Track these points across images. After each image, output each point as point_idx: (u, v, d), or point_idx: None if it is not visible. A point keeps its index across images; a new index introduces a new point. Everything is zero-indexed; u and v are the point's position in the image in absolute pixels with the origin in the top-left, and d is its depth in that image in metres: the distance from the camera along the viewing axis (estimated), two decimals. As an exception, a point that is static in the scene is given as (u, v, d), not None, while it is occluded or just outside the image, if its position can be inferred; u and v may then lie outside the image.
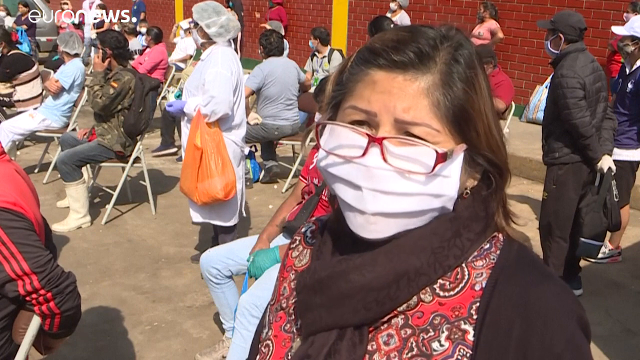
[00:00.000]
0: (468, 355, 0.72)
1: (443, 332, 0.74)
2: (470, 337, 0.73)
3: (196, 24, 3.82)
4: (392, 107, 0.72)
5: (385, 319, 0.76)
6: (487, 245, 0.79)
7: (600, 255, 4.29)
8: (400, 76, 0.72)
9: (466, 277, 0.76)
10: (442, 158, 0.71)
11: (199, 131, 3.68)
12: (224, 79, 3.70)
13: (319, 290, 0.77)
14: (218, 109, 3.68)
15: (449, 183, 0.74)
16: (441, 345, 0.73)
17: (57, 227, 4.77)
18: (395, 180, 0.71)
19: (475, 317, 0.74)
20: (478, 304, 0.74)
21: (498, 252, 0.78)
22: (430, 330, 0.75)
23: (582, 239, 3.63)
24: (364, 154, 0.72)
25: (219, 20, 3.79)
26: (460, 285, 0.76)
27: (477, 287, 0.75)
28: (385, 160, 0.71)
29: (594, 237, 3.63)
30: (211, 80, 3.67)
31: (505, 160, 0.79)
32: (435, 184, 0.73)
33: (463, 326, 0.74)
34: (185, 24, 9.74)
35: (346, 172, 0.73)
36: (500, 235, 0.81)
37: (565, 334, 0.72)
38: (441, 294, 0.76)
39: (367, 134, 0.72)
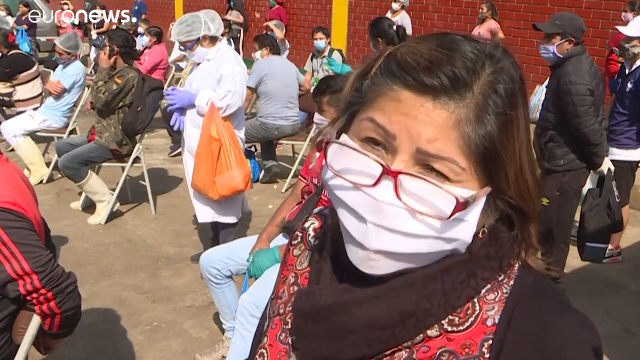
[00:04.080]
0: None
1: None
2: None
3: (196, 40, 3.79)
4: (415, 134, 0.63)
5: (388, 352, 0.71)
6: (501, 277, 0.72)
7: (600, 255, 4.29)
8: (430, 102, 0.63)
9: (477, 310, 0.70)
10: (461, 206, 0.63)
11: (214, 123, 3.72)
12: (239, 74, 3.81)
13: (318, 319, 0.71)
14: (234, 103, 3.77)
15: (465, 228, 0.66)
16: None
17: (92, 221, 4.94)
18: (405, 220, 0.64)
19: (487, 355, 0.67)
20: (490, 342, 0.68)
21: (512, 282, 0.71)
22: None
23: (588, 244, 3.61)
24: (374, 184, 0.64)
25: (205, 18, 3.83)
26: (470, 320, 0.69)
27: (489, 322, 0.69)
28: (398, 196, 0.63)
29: (599, 239, 3.61)
30: (228, 74, 3.76)
31: (534, 208, 0.71)
32: (449, 229, 0.65)
33: None
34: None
35: (352, 199, 0.66)
36: (516, 265, 0.73)
37: None
38: (449, 329, 0.69)
39: (381, 164, 0.64)
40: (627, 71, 4.15)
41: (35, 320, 1.87)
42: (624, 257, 4.51)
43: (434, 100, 0.64)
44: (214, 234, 4.24)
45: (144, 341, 3.33)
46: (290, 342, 0.80)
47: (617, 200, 3.62)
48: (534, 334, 0.67)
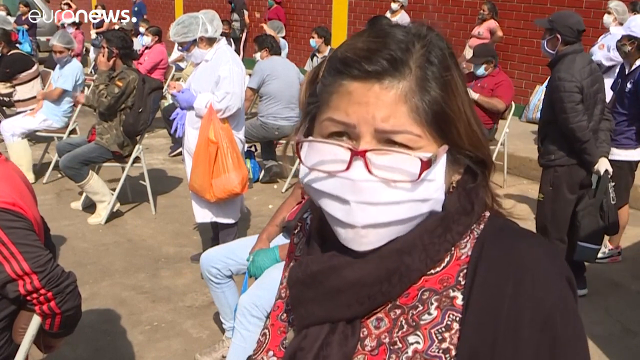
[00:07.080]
0: (457, 319, 0.73)
1: (432, 303, 0.75)
2: (459, 301, 0.74)
3: (194, 42, 3.80)
4: (370, 117, 0.71)
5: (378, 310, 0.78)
6: (473, 226, 0.80)
7: (600, 255, 4.28)
8: (376, 85, 0.71)
9: (453, 254, 0.78)
10: (426, 165, 0.71)
11: (212, 126, 3.71)
12: (237, 75, 3.79)
13: (311, 285, 0.77)
14: (233, 104, 3.75)
15: (434, 186, 0.74)
16: (430, 315, 0.75)
17: (92, 221, 4.93)
18: (381, 191, 0.71)
19: (462, 282, 0.75)
20: (465, 271, 0.75)
21: (482, 226, 0.80)
22: (419, 305, 0.76)
23: (579, 243, 3.62)
24: (347, 168, 0.71)
25: (203, 19, 3.82)
26: (446, 260, 0.77)
27: (463, 257, 0.77)
28: (370, 172, 0.71)
29: (591, 240, 3.61)
30: (226, 76, 3.74)
31: (488, 154, 0.80)
32: (421, 190, 0.73)
33: (452, 294, 0.75)
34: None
35: (332, 186, 0.73)
36: (487, 213, 0.81)
37: (554, 289, 0.73)
38: (427, 272, 0.77)
39: (349, 148, 0.72)
40: (626, 71, 4.15)
41: (35, 320, 1.87)
42: (624, 257, 4.51)
43: (379, 83, 0.71)
44: (214, 234, 4.24)
45: (144, 341, 3.33)
46: (290, 320, 0.87)
47: (613, 202, 3.61)
48: (504, 258, 0.74)
